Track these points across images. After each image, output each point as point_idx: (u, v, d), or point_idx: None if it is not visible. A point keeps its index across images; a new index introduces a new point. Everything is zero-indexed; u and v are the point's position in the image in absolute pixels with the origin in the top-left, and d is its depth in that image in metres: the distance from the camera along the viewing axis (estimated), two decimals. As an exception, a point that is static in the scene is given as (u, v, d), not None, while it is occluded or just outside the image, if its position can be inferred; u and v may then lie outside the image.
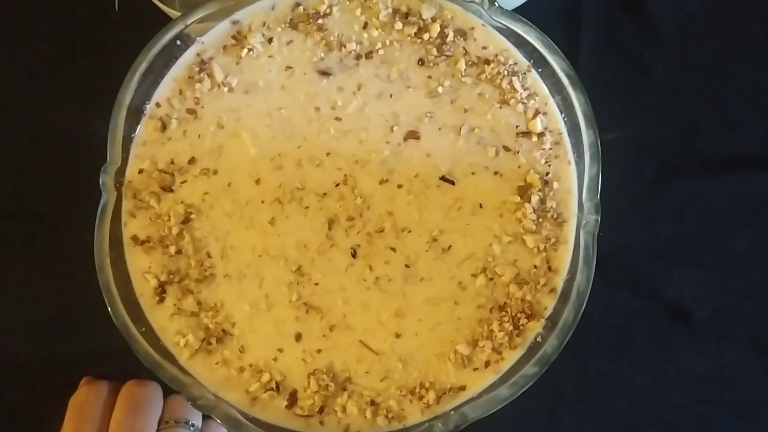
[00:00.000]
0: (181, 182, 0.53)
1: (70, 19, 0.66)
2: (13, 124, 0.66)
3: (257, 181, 0.52)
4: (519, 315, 0.50)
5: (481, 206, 0.52)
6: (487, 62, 0.52)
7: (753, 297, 0.63)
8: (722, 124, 0.64)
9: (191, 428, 0.56)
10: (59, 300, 0.64)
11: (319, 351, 0.51)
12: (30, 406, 0.63)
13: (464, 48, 0.53)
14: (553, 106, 0.52)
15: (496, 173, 0.52)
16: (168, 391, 0.58)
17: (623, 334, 0.62)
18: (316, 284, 0.51)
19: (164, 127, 0.53)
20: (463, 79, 0.53)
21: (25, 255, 0.65)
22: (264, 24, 0.53)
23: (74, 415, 0.56)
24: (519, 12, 0.53)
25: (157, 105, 0.53)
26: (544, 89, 0.52)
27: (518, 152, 0.52)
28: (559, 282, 0.51)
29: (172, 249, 0.52)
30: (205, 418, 0.58)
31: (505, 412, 0.50)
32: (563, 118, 0.52)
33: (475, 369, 0.50)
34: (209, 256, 0.52)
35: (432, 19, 0.53)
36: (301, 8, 0.53)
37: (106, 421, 0.56)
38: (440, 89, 0.53)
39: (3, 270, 0.65)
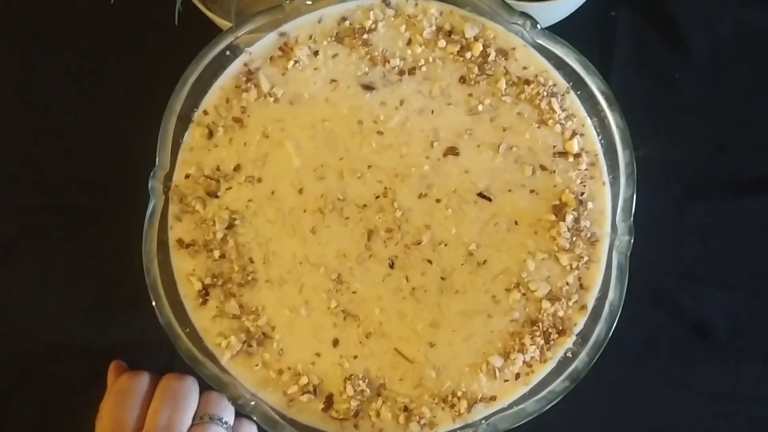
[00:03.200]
0: (226, 188, 0.54)
1: (119, 22, 0.67)
2: (55, 122, 0.68)
3: (300, 191, 0.54)
4: (550, 330, 0.52)
5: (516, 223, 0.53)
6: (527, 82, 0.54)
7: (772, 317, 0.64)
8: (749, 146, 0.65)
9: (224, 426, 0.58)
10: (96, 292, 0.66)
11: (355, 357, 0.53)
12: (65, 395, 0.65)
13: (505, 67, 0.54)
14: (590, 127, 0.54)
15: (532, 191, 0.53)
16: (203, 387, 0.60)
17: (645, 348, 0.64)
18: (354, 292, 0.53)
19: (211, 134, 0.55)
20: (503, 98, 0.54)
21: (63, 248, 0.67)
22: (310, 37, 0.55)
23: (113, 403, 0.58)
24: (553, 30, 0.54)
25: (205, 112, 0.55)
26: (581, 111, 0.54)
27: (554, 172, 0.53)
28: (590, 299, 0.53)
29: (216, 253, 0.54)
30: (238, 416, 0.60)
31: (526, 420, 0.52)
32: (600, 140, 0.53)
33: (506, 380, 0.52)
34: (252, 261, 0.54)
35: (474, 38, 0.54)
36: (347, 23, 0.55)
37: (144, 411, 0.57)
38: (480, 107, 0.54)
39: (42, 261, 0.67)
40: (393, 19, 0.55)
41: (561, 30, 0.54)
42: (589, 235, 0.53)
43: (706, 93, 0.66)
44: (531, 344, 0.52)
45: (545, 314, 0.52)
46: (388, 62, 0.54)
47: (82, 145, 0.67)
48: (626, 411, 0.63)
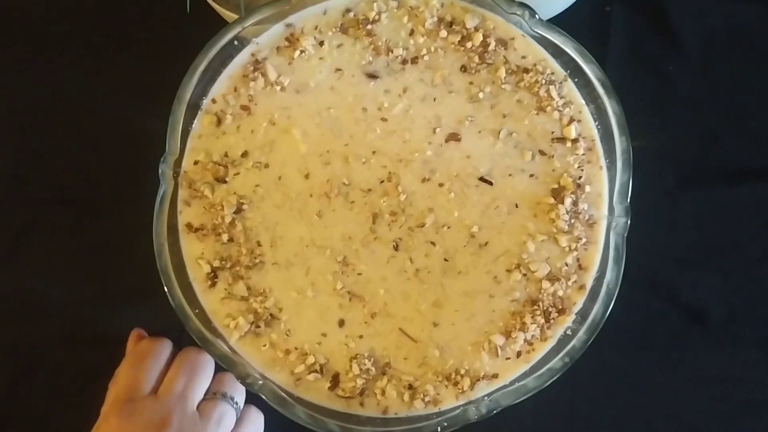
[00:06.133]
0: (234, 174, 0.56)
1: (128, 14, 0.69)
2: (64, 114, 0.69)
3: (306, 176, 0.56)
4: (550, 309, 0.53)
5: (516, 206, 0.55)
6: (526, 71, 0.56)
7: (765, 301, 0.66)
8: (741, 135, 0.67)
9: (234, 405, 0.59)
10: (103, 282, 0.67)
11: (360, 337, 0.54)
12: (73, 383, 0.66)
13: (505, 57, 0.56)
14: (587, 114, 0.55)
15: (531, 176, 0.55)
16: (218, 368, 0.61)
17: (641, 333, 0.65)
18: (360, 274, 0.55)
19: (219, 121, 0.56)
20: (502, 86, 0.56)
21: (71, 239, 0.68)
22: (316, 28, 0.57)
23: (133, 362, 0.59)
24: (550, 23, 0.56)
25: (213, 101, 0.56)
26: (579, 98, 0.55)
27: (553, 156, 0.55)
28: (589, 279, 0.54)
29: (225, 237, 0.55)
30: (246, 403, 0.61)
31: (526, 402, 0.53)
32: (596, 126, 0.55)
33: (508, 358, 0.54)
34: (259, 245, 0.55)
35: (475, 28, 0.56)
36: (351, 14, 0.57)
37: (161, 375, 0.59)
38: (481, 95, 0.56)
39: (51, 252, 0.68)
40: (396, 10, 0.57)
41: (558, 23, 0.56)
42: (587, 218, 0.54)
43: (699, 85, 0.68)
44: (532, 323, 0.53)
45: (545, 294, 0.54)
46: (392, 52, 0.56)
47: (90, 137, 0.68)
48: (623, 394, 0.65)
